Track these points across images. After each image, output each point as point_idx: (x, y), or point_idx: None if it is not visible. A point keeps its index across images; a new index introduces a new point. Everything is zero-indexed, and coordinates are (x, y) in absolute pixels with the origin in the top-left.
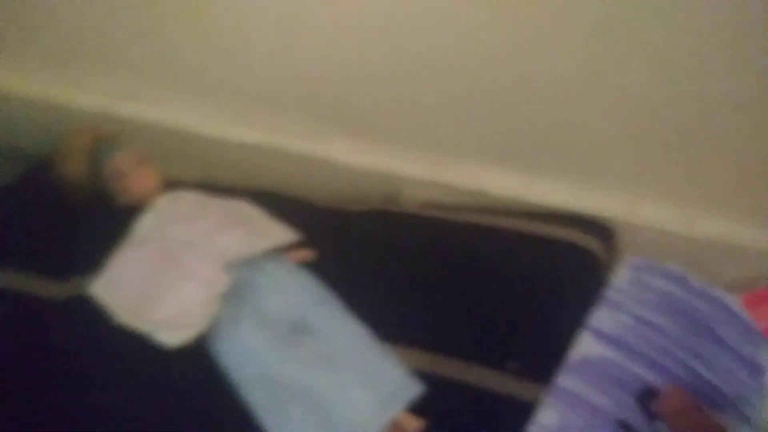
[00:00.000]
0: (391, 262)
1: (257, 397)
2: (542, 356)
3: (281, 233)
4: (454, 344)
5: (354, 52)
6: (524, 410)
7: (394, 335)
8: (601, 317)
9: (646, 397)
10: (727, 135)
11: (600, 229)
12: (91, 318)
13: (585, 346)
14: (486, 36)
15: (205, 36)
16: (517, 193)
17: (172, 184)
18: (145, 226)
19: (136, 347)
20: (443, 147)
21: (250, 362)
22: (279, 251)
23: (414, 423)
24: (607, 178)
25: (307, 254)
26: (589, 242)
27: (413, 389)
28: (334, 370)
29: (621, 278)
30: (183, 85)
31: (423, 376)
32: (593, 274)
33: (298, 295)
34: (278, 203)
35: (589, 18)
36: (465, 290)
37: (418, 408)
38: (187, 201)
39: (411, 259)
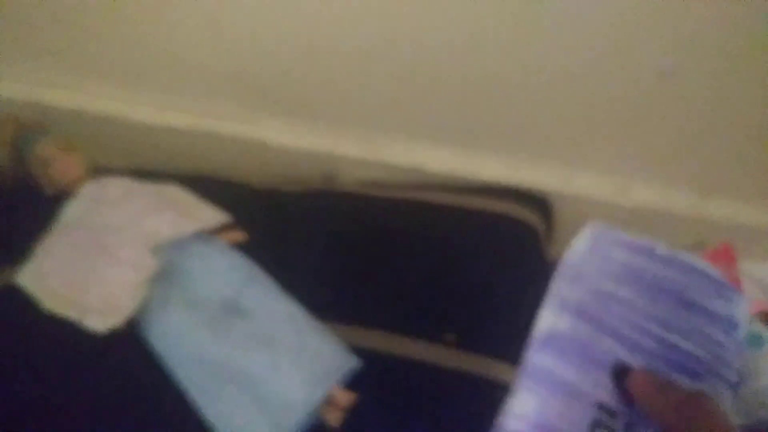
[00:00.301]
0: (328, 241)
1: (190, 379)
2: (479, 327)
3: (211, 215)
4: (392, 319)
5: (282, 30)
6: (461, 380)
7: (331, 313)
8: (563, 288)
9: (619, 374)
10: (652, 103)
11: (535, 200)
12: (23, 308)
13: (550, 319)
14: (414, 13)
15: (128, 20)
16: (453, 168)
17: (100, 172)
18: (71, 213)
19: (69, 335)
20: (378, 126)
21: (182, 345)
22: (210, 234)
23: (346, 397)
24: (541, 151)
25: (239, 235)
26: (525, 214)
27: (348, 364)
28: (267, 349)
29: (580, 248)
30: (107, 70)
31: (361, 351)
32: (529, 244)
33: (229, 276)
34: (211, 186)
35: None
36: (402, 266)
37: (356, 383)
38: (115, 187)
39: (348, 237)
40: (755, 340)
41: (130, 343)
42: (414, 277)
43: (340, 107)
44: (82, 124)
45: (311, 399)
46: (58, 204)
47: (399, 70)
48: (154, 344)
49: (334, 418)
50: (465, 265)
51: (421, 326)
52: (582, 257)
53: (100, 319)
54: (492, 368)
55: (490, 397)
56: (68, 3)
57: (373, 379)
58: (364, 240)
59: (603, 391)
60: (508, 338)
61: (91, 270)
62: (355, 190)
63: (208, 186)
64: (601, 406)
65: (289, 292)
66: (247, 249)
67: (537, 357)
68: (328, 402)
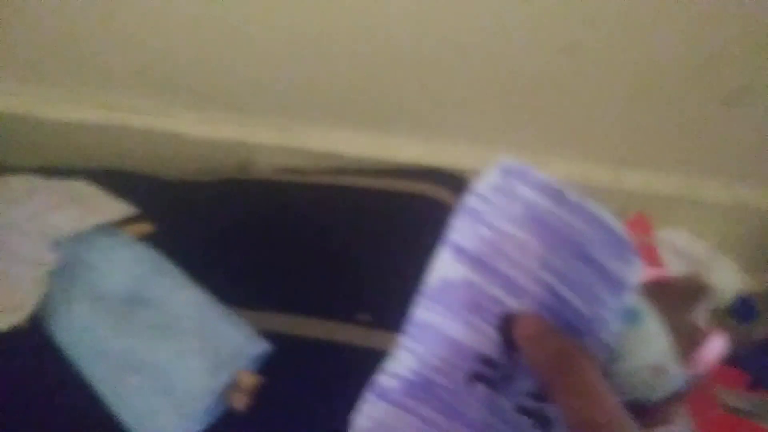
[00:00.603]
0: (238, 228)
1: (95, 371)
2: (395, 306)
3: (116, 208)
4: (305, 303)
5: (189, 19)
6: (375, 358)
7: (245, 301)
8: (461, 229)
9: (505, 324)
10: (563, 80)
11: (451, 179)
12: None
13: (445, 266)
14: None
15: (30, 14)
16: (370, 152)
17: (5, 170)
18: None
19: None
20: (292, 112)
21: (85, 338)
22: (116, 227)
23: (251, 380)
24: (457, 132)
25: (145, 228)
26: (441, 193)
27: (256, 348)
28: (170, 338)
29: (486, 183)
30: (11, 67)
31: (273, 336)
32: (444, 223)
33: (134, 268)
34: (119, 180)
35: None
36: (316, 250)
37: (269, 367)
38: (17, 184)
39: (258, 224)
40: (631, 316)
41: (33, 339)
42: (327, 261)
43: (253, 96)
44: None
45: (215, 384)
46: None
47: (311, 57)
48: (59, 339)
49: (239, 402)
50: (380, 245)
51: (335, 308)
52: (485, 196)
53: (0, 318)
54: None
55: None
56: None
57: (286, 363)
58: (275, 226)
59: (486, 342)
60: None
61: None
62: (269, 177)
63: (116, 180)
64: (482, 358)
65: (198, 281)
66: (155, 241)
67: (423, 313)
68: (236, 386)
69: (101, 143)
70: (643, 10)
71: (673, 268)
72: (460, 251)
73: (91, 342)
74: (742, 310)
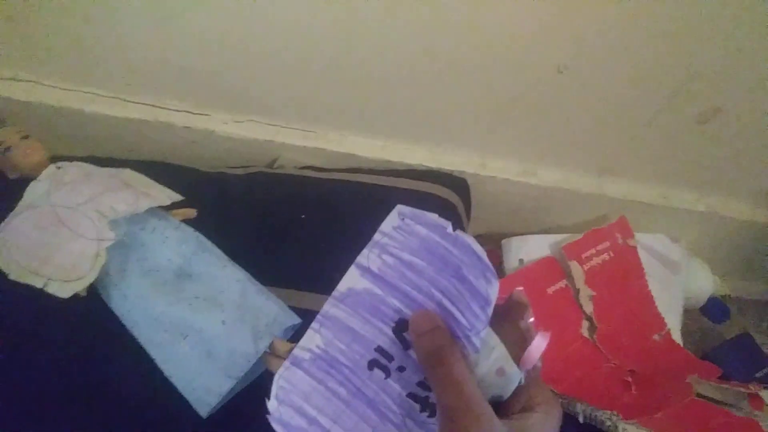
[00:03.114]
0: (269, 215)
1: (147, 337)
2: None
3: (164, 194)
4: (327, 283)
5: (223, 32)
6: None
7: (272, 278)
8: (369, 257)
9: (401, 328)
10: (553, 95)
11: (455, 181)
12: None
13: (351, 280)
14: (337, 16)
15: (81, 18)
16: (382, 155)
17: (58, 159)
18: (33, 193)
19: (34, 302)
20: (314, 117)
21: (138, 307)
22: (163, 210)
23: (286, 346)
24: (459, 140)
25: (189, 212)
26: (445, 192)
27: (288, 320)
28: (215, 308)
29: (389, 224)
30: (64, 65)
31: (300, 311)
32: (452, 220)
33: (181, 246)
34: (162, 170)
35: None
36: (335, 237)
37: (297, 338)
38: (73, 170)
39: (285, 212)
40: None
41: (92, 306)
42: (345, 247)
43: (281, 101)
44: (40, 116)
45: (255, 350)
46: (21, 187)
47: (333, 70)
48: (114, 308)
49: (275, 365)
50: None
51: None
52: (389, 233)
53: (62, 286)
54: None
55: None
56: (21, 6)
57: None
58: (299, 214)
59: (384, 339)
60: None
61: (53, 243)
62: (293, 172)
63: (160, 170)
64: (380, 350)
65: (235, 260)
66: (197, 224)
67: (332, 309)
68: (272, 352)
69: (145, 137)
70: (626, 34)
71: (652, 269)
72: (365, 270)
73: (144, 310)
74: (714, 311)
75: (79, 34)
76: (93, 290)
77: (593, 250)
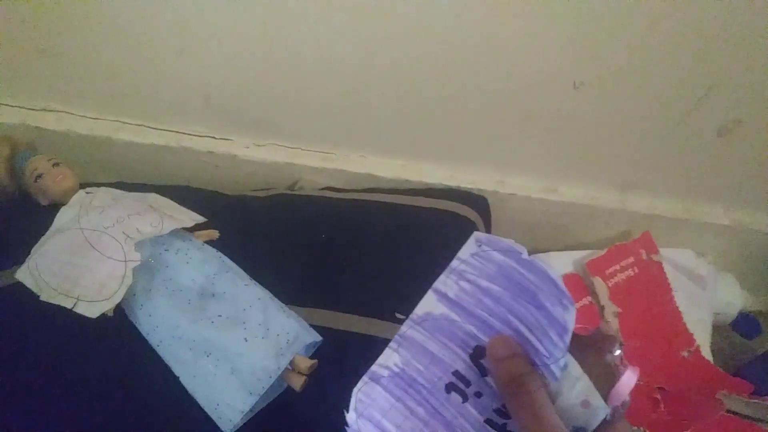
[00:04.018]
0: (290, 237)
1: (172, 355)
2: None
3: (188, 216)
4: (348, 302)
5: (242, 60)
6: None
7: (293, 297)
8: (447, 283)
9: (478, 355)
10: (571, 111)
11: (477, 200)
12: (21, 302)
13: (428, 305)
14: (356, 39)
15: (107, 51)
16: (401, 174)
17: (87, 185)
18: (63, 218)
19: (67, 320)
20: (334, 139)
21: (164, 325)
22: (187, 232)
23: (308, 362)
24: (479, 158)
25: (212, 233)
26: (466, 211)
27: (309, 338)
28: (238, 327)
29: (466, 251)
30: (92, 96)
31: (321, 329)
32: (469, 236)
33: (205, 267)
34: (186, 194)
35: (442, 17)
36: (357, 256)
37: (318, 356)
38: (101, 195)
39: (307, 233)
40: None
41: (119, 326)
42: (367, 266)
43: (300, 125)
44: (69, 144)
45: (276, 367)
46: (52, 212)
47: (352, 94)
48: (140, 326)
49: (297, 383)
50: (413, 254)
51: (375, 307)
52: (466, 260)
53: (90, 306)
54: None
55: None
56: (53, 39)
57: (333, 351)
58: (320, 234)
59: (461, 364)
60: None
61: (81, 265)
62: (314, 194)
63: (184, 194)
64: (457, 374)
65: (257, 279)
66: (220, 245)
67: (409, 331)
68: (293, 369)
69: (170, 163)
70: (645, 49)
71: (679, 285)
72: (442, 296)
73: (168, 329)
74: (745, 326)
75: (107, 66)
76: (120, 310)
77: (617, 266)
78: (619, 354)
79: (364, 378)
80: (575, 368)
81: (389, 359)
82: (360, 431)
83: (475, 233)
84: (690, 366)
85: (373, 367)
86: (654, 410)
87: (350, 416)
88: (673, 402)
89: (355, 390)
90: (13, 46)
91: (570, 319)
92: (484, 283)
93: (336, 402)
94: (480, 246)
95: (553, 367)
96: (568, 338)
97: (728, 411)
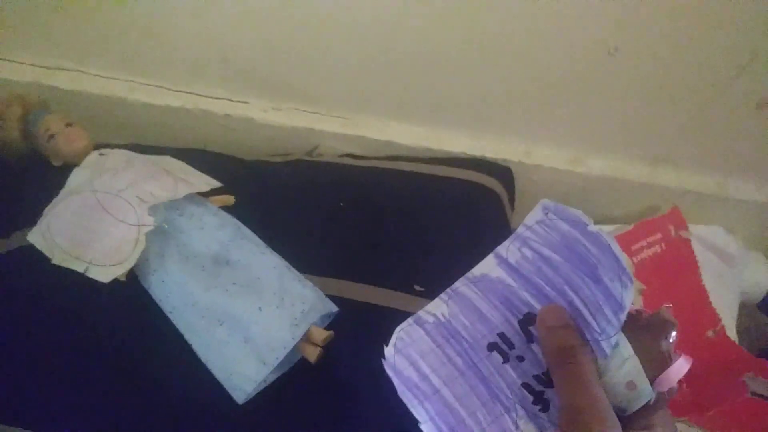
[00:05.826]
0: (307, 204)
1: (185, 322)
2: (446, 280)
3: (203, 180)
4: (366, 272)
5: (263, 21)
6: None
7: (309, 266)
8: (510, 249)
9: (528, 321)
10: (602, 79)
11: (501, 170)
12: (32, 265)
13: (487, 266)
14: (384, 3)
15: (123, 8)
16: (423, 142)
17: (101, 146)
18: (76, 180)
19: (76, 286)
20: (354, 104)
21: (177, 292)
22: (202, 197)
23: (323, 334)
24: (503, 127)
25: (228, 198)
26: (489, 181)
27: (325, 308)
28: (252, 295)
29: (532, 218)
30: (106, 54)
31: (338, 300)
32: (492, 208)
33: (219, 232)
34: (202, 158)
35: None
36: (375, 225)
37: (334, 327)
38: (114, 156)
39: (326, 200)
40: (613, 340)
41: (131, 291)
42: (386, 236)
43: (320, 89)
44: (83, 104)
45: (291, 335)
46: (65, 173)
47: (372, 57)
48: (153, 292)
49: (311, 354)
50: (434, 225)
51: (394, 279)
52: (532, 227)
53: (103, 271)
54: None
55: None
56: None
57: (349, 323)
58: (339, 202)
59: (509, 328)
60: None
61: (94, 229)
62: (334, 160)
63: (199, 157)
64: (503, 336)
65: (273, 247)
66: (236, 211)
67: (463, 288)
68: (308, 340)
69: (185, 125)
70: (683, 17)
71: (706, 263)
72: (502, 260)
73: (182, 296)
74: None
75: (122, 24)
76: (132, 276)
77: (644, 242)
78: (674, 340)
79: (409, 320)
80: (626, 348)
81: (437, 308)
82: (395, 365)
83: (543, 201)
84: (714, 346)
85: (420, 312)
86: (677, 390)
87: (388, 350)
88: (697, 382)
89: (397, 329)
90: (27, 3)
91: (627, 297)
92: (546, 252)
93: (351, 377)
94: (547, 214)
95: (603, 344)
96: (622, 316)
97: (752, 393)
